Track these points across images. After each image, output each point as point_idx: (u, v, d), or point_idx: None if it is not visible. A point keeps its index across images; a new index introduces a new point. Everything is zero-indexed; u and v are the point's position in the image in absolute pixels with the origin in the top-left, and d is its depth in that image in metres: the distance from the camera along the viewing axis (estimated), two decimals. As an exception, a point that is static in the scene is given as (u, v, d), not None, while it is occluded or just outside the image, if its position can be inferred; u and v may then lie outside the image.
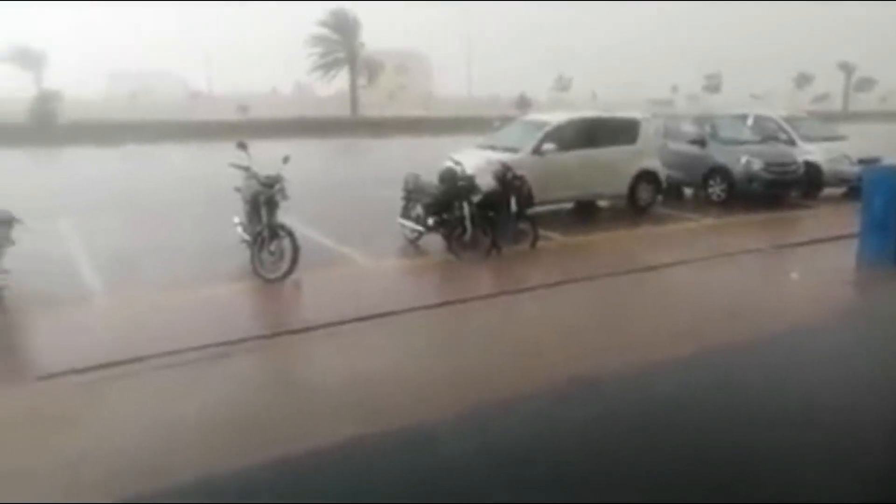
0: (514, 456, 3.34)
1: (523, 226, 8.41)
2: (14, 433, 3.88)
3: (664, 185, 11.48)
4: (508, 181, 8.31)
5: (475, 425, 3.78)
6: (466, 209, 8.06)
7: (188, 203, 11.94)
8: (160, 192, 13.73)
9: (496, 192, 8.31)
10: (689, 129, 12.74)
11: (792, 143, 13.06)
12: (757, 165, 11.64)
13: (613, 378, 4.42)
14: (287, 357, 5.33)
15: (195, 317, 5.89)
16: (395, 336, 5.63)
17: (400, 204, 8.83)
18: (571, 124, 10.85)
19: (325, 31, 48.22)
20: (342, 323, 5.59)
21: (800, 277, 7.21)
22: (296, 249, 6.79)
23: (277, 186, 7.06)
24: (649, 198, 11.26)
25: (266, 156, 7.60)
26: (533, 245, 8.34)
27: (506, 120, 12.71)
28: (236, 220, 7.89)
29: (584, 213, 11.27)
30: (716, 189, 11.96)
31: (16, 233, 6.24)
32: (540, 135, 10.33)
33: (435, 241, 8.44)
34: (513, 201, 8.28)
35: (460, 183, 8.14)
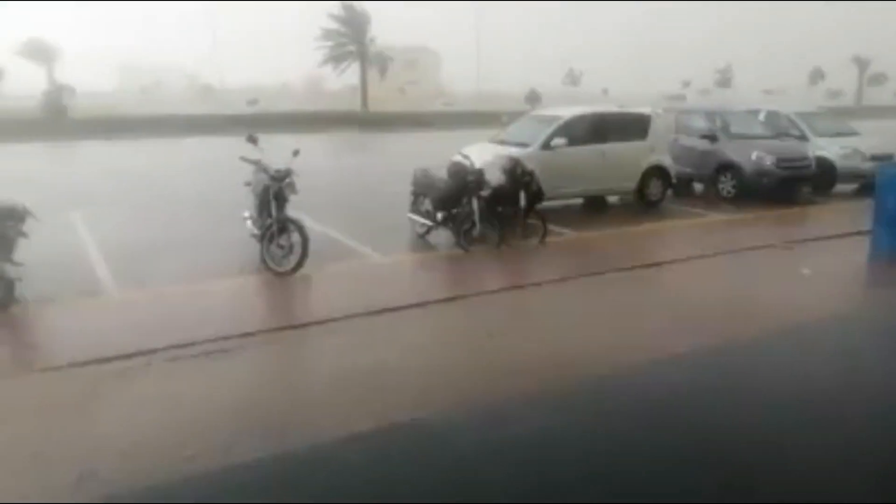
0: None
1: (533, 221, 8.39)
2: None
3: (674, 180, 11.43)
4: (518, 176, 8.29)
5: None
6: (475, 204, 8.06)
7: (202, 197, 12.01)
8: (174, 185, 13.82)
9: (505, 187, 8.29)
10: (700, 123, 12.66)
11: (804, 138, 12.95)
12: (768, 161, 11.55)
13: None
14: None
15: (215, 309, 5.98)
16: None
17: (409, 198, 8.85)
18: (581, 119, 10.80)
19: (335, 27, 48.26)
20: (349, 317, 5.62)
21: (811, 273, 7.15)
22: (305, 243, 6.81)
23: (287, 180, 7.07)
24: (659, 193, 11.22)
25: (276, 149, 7.62)
26: (542, 240, 8.32)
27: (513, 115, 12.69)
28: (246, 214, 7.92)
29: (594, 209, 11.24)
30: (726, 185, 11.87)
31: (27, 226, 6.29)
32: (550, 130, 10.30)
33: (445, 236, 8.45)
34: (522, 196, 8.27)
35: (469, 177, 8.13)
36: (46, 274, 6.58)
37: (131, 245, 8.25)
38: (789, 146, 12.36)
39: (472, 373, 4.59)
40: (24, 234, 6.03)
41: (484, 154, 9.33)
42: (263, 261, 6.96)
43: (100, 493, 3.12)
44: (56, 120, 27.91)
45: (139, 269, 7.25)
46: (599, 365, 4.65)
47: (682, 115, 13.41)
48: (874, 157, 11.80)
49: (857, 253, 7.64)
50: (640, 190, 11.07)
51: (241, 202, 8.14)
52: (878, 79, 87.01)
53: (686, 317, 5.77)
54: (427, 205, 8.48)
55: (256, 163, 7.41)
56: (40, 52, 63.01)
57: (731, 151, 11.91)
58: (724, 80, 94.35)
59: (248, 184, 7.84)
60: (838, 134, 13.46)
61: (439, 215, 8.23)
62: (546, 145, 10.08)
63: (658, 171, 11.17)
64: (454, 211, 8.16)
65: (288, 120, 31.53)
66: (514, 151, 9.51)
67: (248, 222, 7.79)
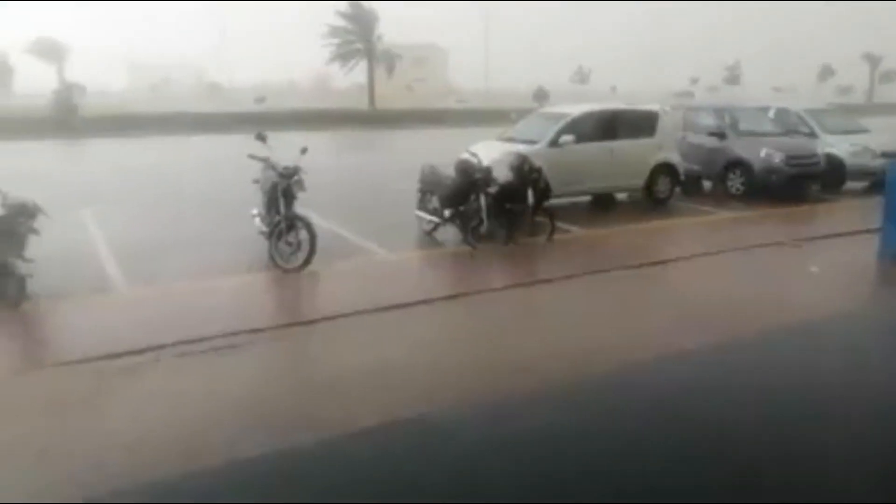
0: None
1: (540, 218, 8.39)
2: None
3: (682, 177, 11.39)
4: (525, 173, 8.28)
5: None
6: (483, 201, 8.06)
7: (210, 194, 12.06)
8: (183, 183, 13.89)
9: (513, 184, 8.29)
10: (708, 120, 12.60)
11: (813, 135, 12.87)
12: (777, 158, 11.48)
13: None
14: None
15: (224, 305, 6.02)
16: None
17: (416, 196, 8.86)
18: (589, 116, 10.79)
19: (343, 24, 48.27)
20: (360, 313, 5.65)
21: (819, 271, 7.12)
22: (313, 240, 6.84)
23: (295, 177, 7.10)
24: (667, 191, 11.19)
25: (284, 147, 7.65)
26: (550, 237, 8.32)
27: (522, 112, 12.67)
28: (254, 211, 7.96)
29: (602, 206, 11.22)
30: (735, 182, 11.82)
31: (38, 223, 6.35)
32: (557, 127, 10.28)
33: (452, 233, 8.46)
34: (530, 193, 8.26)
35: (477, 175, 8.13)
36: (57, 270, 6.63)
37: (141, 242, 8.31)
38: (798, 143, 12.28)
39: (479, 369, 4.60)
40: (35, 231, 6.09)
41: (492, 151, 9.34)
42: (272, 258, 7.00)
43: (105, 488, 3.15)
44: (66, 118, 28.06)
45: (148, 266, 7.31)
46: (606, 362, 4.65)
47: (691, 112, 13.36)
48: (884, 154, 11.70)
49: (866, 250, 7.59)
50: (649, 187, 11.03)
51: (249, 199, 8.18)
52: (890, 76, 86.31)
53: (693, 314, 5.76)
54: (434, 202, 8.49)
55: (265, 160, 7.44)
56: (50, 51, 63.43)
57: (739, 149, 11.85)
58: (733, 77, 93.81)
59: (256, 181, 7.87)
60: (848, 131, 13.38)
61: (447, 212, 8.24)
62: (554, 142, 10.07)
63: (666, 169, 11.13)
64: (462, 208, 8.16)
65: (295, 118, 31.54)
66: (521, 149, 9.50)
67: (257, 219, 7.82)
